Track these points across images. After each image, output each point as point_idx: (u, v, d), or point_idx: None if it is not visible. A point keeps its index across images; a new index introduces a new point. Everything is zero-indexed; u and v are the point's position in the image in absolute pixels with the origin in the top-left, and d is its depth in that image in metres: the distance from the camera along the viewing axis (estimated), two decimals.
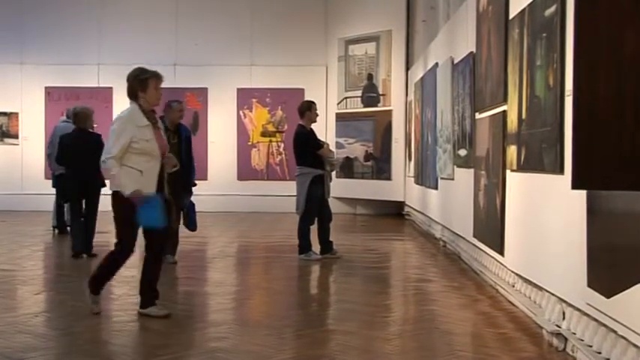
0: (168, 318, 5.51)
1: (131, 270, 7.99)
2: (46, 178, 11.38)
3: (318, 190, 8.57)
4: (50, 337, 5.04)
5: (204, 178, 16.05)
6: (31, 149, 15.98)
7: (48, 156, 11.10)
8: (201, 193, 16.28)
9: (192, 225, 8.54)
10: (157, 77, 5.50)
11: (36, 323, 5.47)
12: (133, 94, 5.48)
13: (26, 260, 8.72)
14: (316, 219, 8.75)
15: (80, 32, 16.04)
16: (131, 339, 5.10)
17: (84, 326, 5.36)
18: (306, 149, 8.62)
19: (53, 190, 11.03)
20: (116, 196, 5.38)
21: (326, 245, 8.82)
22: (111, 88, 15.50)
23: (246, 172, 16.08)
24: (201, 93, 15.99)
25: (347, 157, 15.53)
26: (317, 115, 8.92)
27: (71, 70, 15.92)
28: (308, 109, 8.78)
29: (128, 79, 5.47)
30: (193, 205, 8.60)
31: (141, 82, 5.43)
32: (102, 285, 5.70)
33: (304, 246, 8.72)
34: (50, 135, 11.33)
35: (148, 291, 5.67)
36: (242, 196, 15.85)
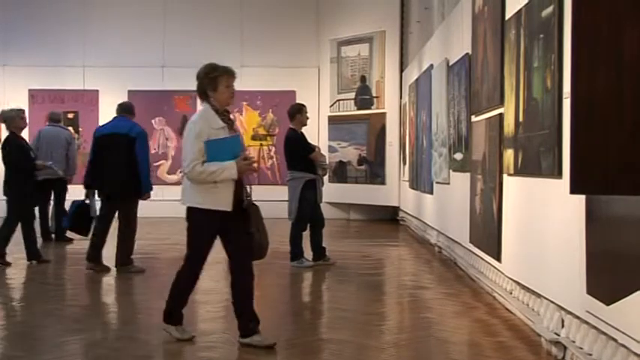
0: (273, 347, 4.98)
1: (118, 278, 7.98)
2: None
3: (310, 196, 8.57)
4: (34, 348, 5.02)
5: None
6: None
7: None
8: None
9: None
10: (227, 74, 5.05)
11: (20, 334, 5.44)
12: (203, 94, 5.07)
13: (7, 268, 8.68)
14: (308, 225, 8.75)
15: (65, 33, 16.00)
16: (117, 349, 5.08)
17: (70, 336, 5.33)
18: (298, 153, 8.63)
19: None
20: (189, 211, 5.01)
21: (319, 252, 8.83)
22: (97, 90, 15.47)
23: None
24: (191, 96, 15.96)
25: (340, 161, 15.53)
26: (307, 118, 8.93)
27: (56, 72, 15.86)
28: (298, 112, 8.79)
29: (198, 77, 5.06)
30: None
31: (210, 81, 5.01)
32: (178, 311, 5.18)
33: (296, 253, 8.72)
34: (34, 139, 11.28)
35: (246, 314, 5.08)
36: None
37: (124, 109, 8.62)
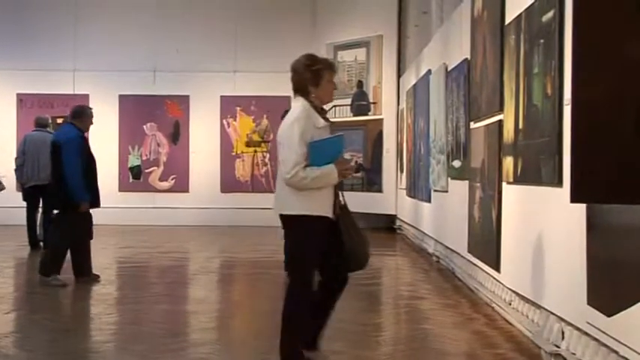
0: None
1: (108, 287, 7.96)
2: (17, 190, 11.29)
3: None
4: (22, 359, 5.00)
5: (186, 191, 16.04)
6: (1, 159, 15.87)
7: (19, 167, 11.02)
8: (183, 206, 16.42)
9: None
10: (330, 68, 4.64)
11: (7, 344, 5.43)
12: (302, 89, 4.58)
13: None
14: None
15: (55, 36, 16.00)
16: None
17: (57, 347, 5.32)
18: None
19: (24, 204, 10.98)
20: (296, 220, 4.53)
21: None
22: (87, 95, 15.45)
23: (229, 183, 16.06)
24: (183, 101, 15.97)
25: None
26: None
27: (45, 76, 15.84)
28: None
29: (296, 70, 4.60)
30: None
31: (313, 74, 4.55)
32: (299, 351, 4.62)
33: None
34: (20, 144, 11.26)
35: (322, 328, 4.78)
36: (225, 209, 15.82)
37: (70, 116, 8.33)
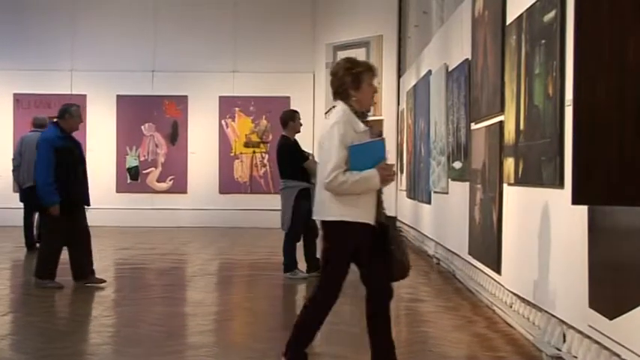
0: None
1: (104, 289, 7.95)
2: (14, 191, 11.28)
3: (304, 205, 8.54)
4: None
5: (184, 192, 16.03)
6: None
7: (15, 168, 11.00)
8: (181, 208, 16.41)
9: None
10: (371, 71, 4.55)
11: (3, 347, 5.42)
12: (342, 93, 4.50)
13: None
14: (302, 235, 8.73)
15: (52, 36, 15.99)
16: None
17: (54, 349, 5.31)
18: (291, 161, 8.62)
19: (21, 205, 10.96)
20: (336, 226, 4.41)
21: (313, 263, 8.78)
22: (85, 95, 15.44)
23: (228, 184, 16.05)
24: (181, 101, 15.97)
25: None
26: (301, 125, 8.92)
27: (42, 76, 15.84)
28: (291, 119, 8.78)
29: (335, 74, 4.52)
30: None
31: (354, 78, 4.46)
32: (301, 352, 4.57)
33: (290, 264, 8.70)
34: (17, 145, 11.24)
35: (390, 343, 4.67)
36: (224, 211, 15.82)
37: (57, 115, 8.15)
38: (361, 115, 4.50)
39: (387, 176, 4.40)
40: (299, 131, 8.90)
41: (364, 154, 4.35)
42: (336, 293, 4.50)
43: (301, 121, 8.98)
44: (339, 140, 4.32)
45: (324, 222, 4.47)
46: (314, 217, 4.61)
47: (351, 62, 4.54)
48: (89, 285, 7.88)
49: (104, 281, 8.03)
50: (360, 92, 4.47)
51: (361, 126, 4.44)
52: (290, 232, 8.64)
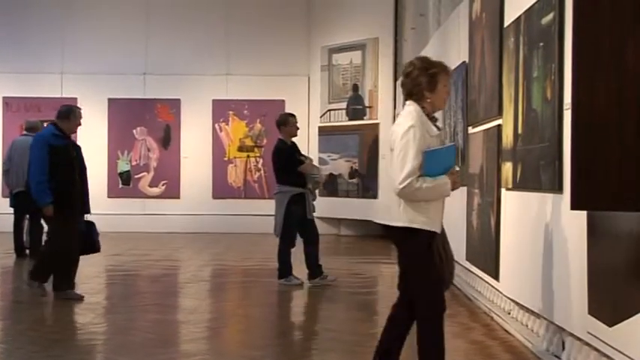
0: None
1: (96, 296, 7.94)
2: (4, 196, 11.26)
3: (297, 210, 8.54)
4: None
5: (177, 197, 16.01)
6: None
7: (5, 172, 10.99)
8: (173, 213, 16.39)
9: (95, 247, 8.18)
10: (447, 72, 4.38)
11: None
12: (417, 93, 4.31)
13: None
14: (302, 241, 8.70)
15: (43, 38, 15.95)
16: None
17: (44, 357, 5.30)
18: (284, 165, 8.62)
19: (11, 210, 10.94)
20: (409, 233, 4.28)
21: (314, 269, 8.75)
22: (75, 98, 15.39)
23: (221, 189, 16.03)
24: (174, 104, 15.95)
25: (331, 174, 15.53)
26: (297, 128, 8.90)
27: (32, 79, 15.81)
28: (286, 123, 8.77)
29: (409, 74, 4.34)
30: (93, 225, 8.25)
31: (430, 78, 4.29)
32: None
33: (284, 270, 8.68)
34: (7, 150, 11.23)
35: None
36: (217, 216, 15.80)
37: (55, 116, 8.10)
38: (433, 118, 4.38)
39: (456, 183, 4.33)
40: (295, 135, 8.88)
41: (437, 160, 4.25)
42: (442, 302, 4.39)
43: (298, 124, 8.96)
44: (416, 145, 4.17)
45: (389, 227, 4.37)
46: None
47: (426, 62, 4.37)
48: (61, 298, 7.56)
49: (82, 297, 7.66)
50: (435, 94, 4.32)
51: (434, 129, 4.32)
52: (283, 238, 8.63)
